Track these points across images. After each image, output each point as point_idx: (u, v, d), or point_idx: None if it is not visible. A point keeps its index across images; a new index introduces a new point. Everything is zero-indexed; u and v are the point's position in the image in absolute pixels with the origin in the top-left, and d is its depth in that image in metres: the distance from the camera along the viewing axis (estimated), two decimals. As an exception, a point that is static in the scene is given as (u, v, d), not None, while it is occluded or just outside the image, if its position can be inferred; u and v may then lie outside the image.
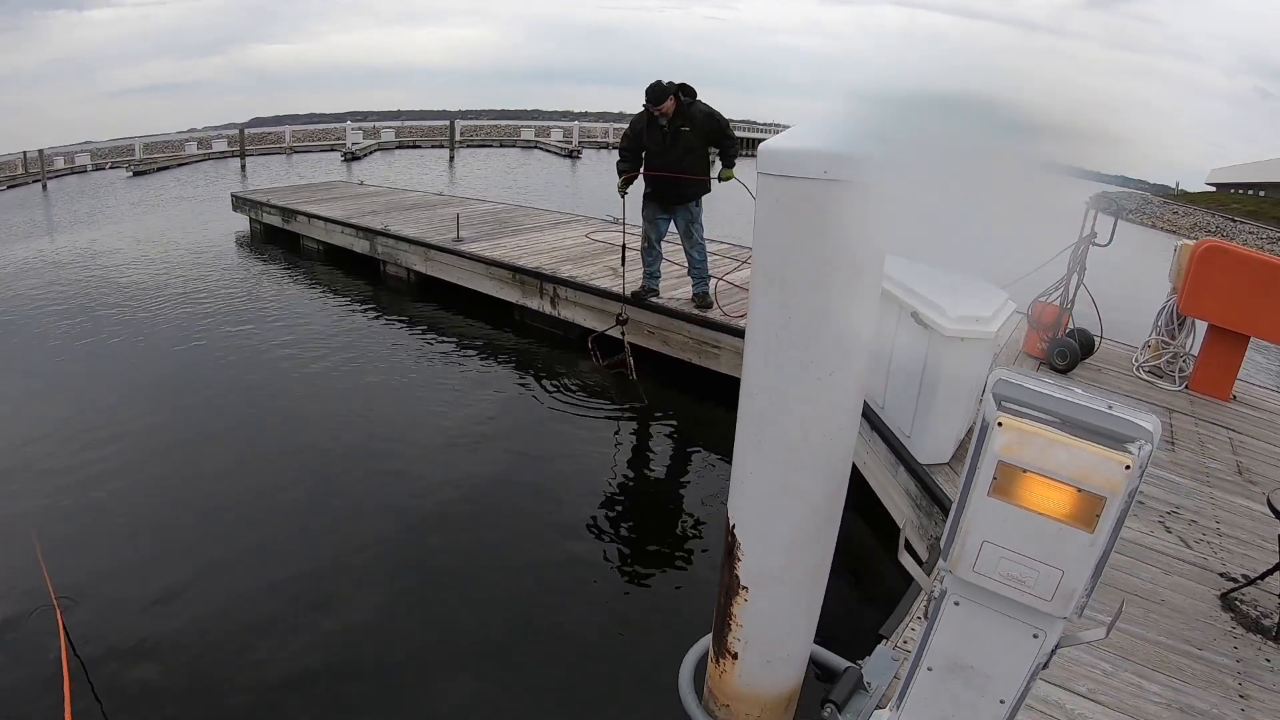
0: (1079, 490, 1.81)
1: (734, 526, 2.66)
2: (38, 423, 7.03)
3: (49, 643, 4.13)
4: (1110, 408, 1.86)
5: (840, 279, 2.21)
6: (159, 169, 30.56)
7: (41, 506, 5.61)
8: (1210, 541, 4.62)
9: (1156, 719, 3.20)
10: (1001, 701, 2.23)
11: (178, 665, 4.16)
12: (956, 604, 2.15)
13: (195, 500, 5.77)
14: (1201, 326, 6.90)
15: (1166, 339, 7.05)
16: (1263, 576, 4.05)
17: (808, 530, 2.57)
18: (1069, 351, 6.72)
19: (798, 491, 2.49)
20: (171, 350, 8.90)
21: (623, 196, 7.72)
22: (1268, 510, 4.06)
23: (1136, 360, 7.26)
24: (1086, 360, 7.04)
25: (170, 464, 6.31)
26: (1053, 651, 2.13)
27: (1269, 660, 3.67)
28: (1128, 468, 1.77)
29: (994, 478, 1.89)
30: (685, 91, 7.44)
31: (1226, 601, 4.06)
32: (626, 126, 7.91)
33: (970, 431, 5.40)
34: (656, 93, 7.28)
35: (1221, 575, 4.28)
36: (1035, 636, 2.09)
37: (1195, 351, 7.00)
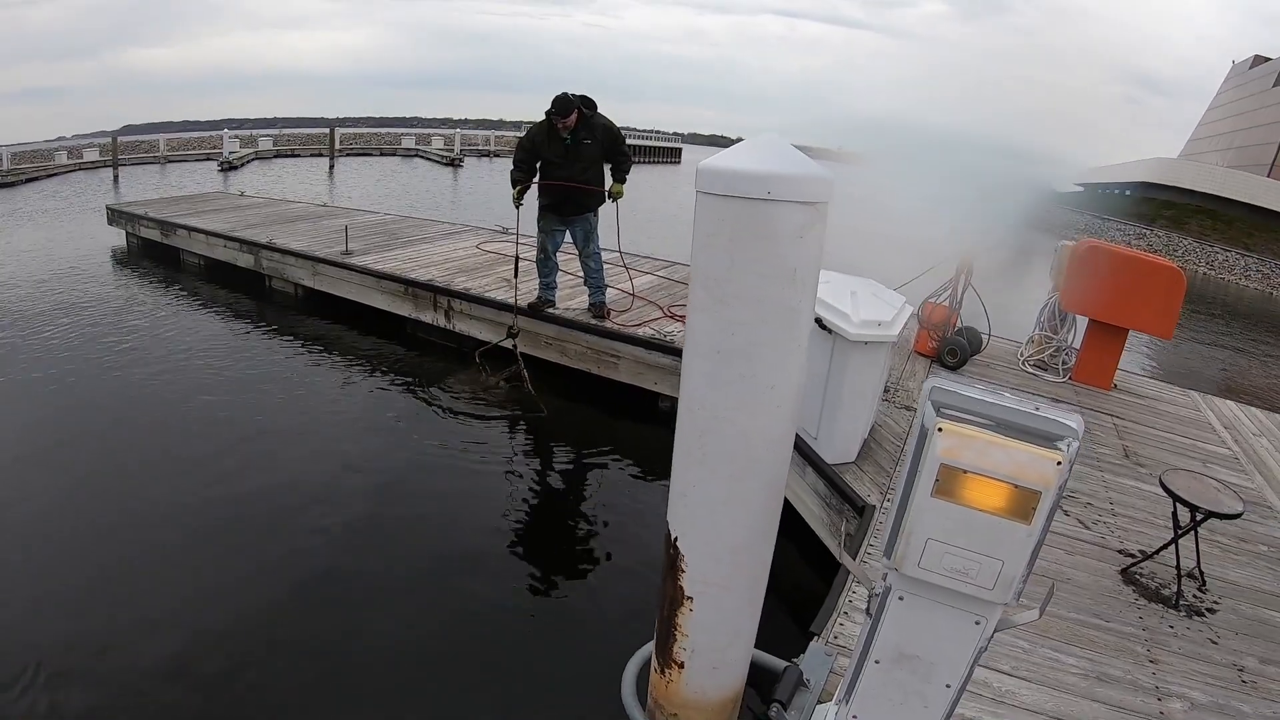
0: (1015, 487, 1.95)
1: (675, 539, 2.72)
2: None
3: None
4: (1037, 409, 2.00)
5: (781, 295, 2.29)
6: (27, 180, 28.97)
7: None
8: (1106, 522, 4.89)
9: (1076, 689, 3.40)
10: (948, 685, 2.35)
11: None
12: (901, 599, 2.27)
13: (77, 534, 5.42)
14: (1083, 321, 7.25)
15: (1049, 334, 7.39)
16: (1158, 551, 4.35)
17: (750, 538, 2.65)
18: (958, 349, 6.98)
19: (740, 501, 2.57)
20: (44, 375, 8.38)
21: (518, 207, 7.67)
22: (1158, 490, 4.32)
23: (1022, 355, 7.60)
24: (975, 357, 7.33)
25: (42, 497, 5.92)
26: (992, 635, 2.28)
27: (1172, 627, 3.94)
28: (1059, 463, 1.92)
29: (936, 479, 2.01)
30: (587, 104, 7.47)
31: (1128, 576, 4.32)
32: (517, 135, 7.89)
33: (872, 429, 5.60)
34: (562, 105, 7.26)
35: (1120, 552, 4.54)
36: (977, 623, 2.22)
37: (1077, 345, 7.36)
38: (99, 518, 5.58)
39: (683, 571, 2.71)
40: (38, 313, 10.55)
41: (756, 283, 2.26)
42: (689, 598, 2.74)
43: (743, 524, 2.60)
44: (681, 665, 2.91)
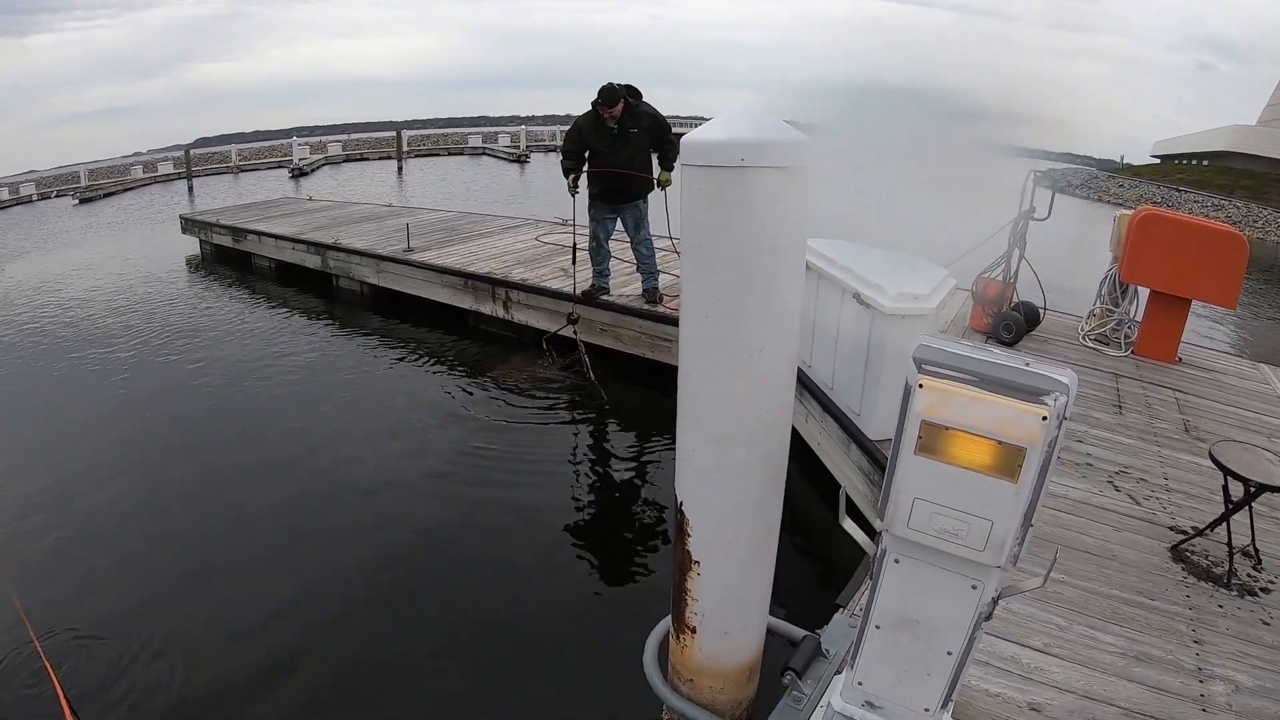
0: (1000, 443, 1.90)
1: (681, 505, 2.74)
2: None
3: (39, 681, 4.17)
4: (1027, 365, 1.94)
5: (761, 260, 2.29)
6: (105, 195, 29.99)
7: (6, 541, 5.58)
8: (1159, 497, 4.74)
9: (1111, 668, 3.29)
10: (949, 653, 2.31)
11: (158, 687, 4.20)
12: (896, 561, 2.23)
13: (163, 525, 5.76)
14: (1144, 293, 7.04)
15: (1110, 307, 7.19)
16: (1211, 527, 4.17)
17: (750, 503, 2.64)
18: (1014, 325, 6.83)
19: (735, 466, 2.56)
20: (129, 378, 8.79)
21: (574, 195, 7.77)
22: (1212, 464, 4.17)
23: (1082, 329, 7.40)
24: (1032, 332, 7.17)
25: (135, 490, 6.28)
26: (994, 602, 2.22)
27: (1221, 606, 3.78)
28: (1044, 419, 1.86)
29: (919, 437, 1.97)
30: (632, 93, 7.52)
31: (1177, 553, 4.17)
32: (569, 129, 7.95)
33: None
34: (608, 95, 7.32)
35: (1171, 529, 4.40)
36: (974, 587, 2.17)
37: (1139, 318, 7.15)
38: (180, 521, 5.86)
39: (689, 535, 2.73)
40: (117, 321, 11.06)
41: (737, 248, 2.27)
42: (696, 561, 2.75)
43: (740, 488, 2.60)
44: (694, 630, 2.92)
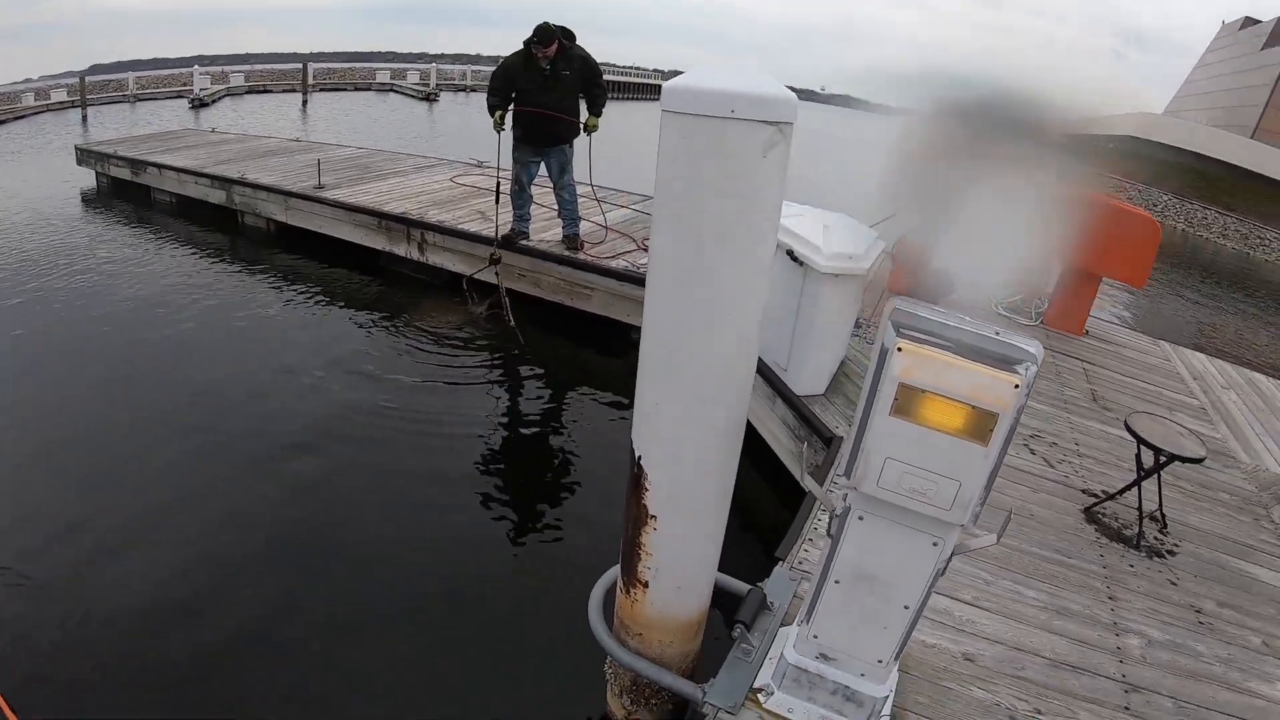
0: (973, 408, 1.99)
1: (640, 458, 2.75)
2: None
3: None
4: (997, 334, 2.03)
5: (743, 214, 2.29)
6: (-8, 124, 28.63)
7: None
8: (1071, 462, 4.96)
9: (1035, 621, 3.49)
10: (906, 607, 2.41)
11: (51, 632, 4.03)
12: (861, 519, 2.31)
13: (59, 470, 5.47)
14: (1057, 267, 7.29)
15: (1024, 279, 7.43)
16: (1121, 492, 4.41)
17: (713, 457, 2.68)
18: (931, 289, 7.00)
19: (703, 420, 2.59)
20: (19, 316, 8.35)
21: (499, 132, 7.60)
22: (1123, 434, 4.38)
23: (995, 298, 7.63)
24: (948, 298, 7.36)
25: (26, 436, 5.93)
26: (949, 558, 2.33)
27: (1132, 566, 4.02)
28: (1016, 386, 1.95)
29: (895, 399, 2.04)
30: (567, 35, 7.40)
31: (1090, 515, 4.40)
32: (495, 67, 7.80)
33: (842, 363, 5.64)
34: (544, 34, 7.19)
35: (1084, 491, 4.62)
36: (935, 544, 2.27)
37: (1050, 290, 7.40)
38: (75, 466, 5.54)
39: (646, 490, 2.74)
40: (5, 256, 10.41)
41: (719, 202, 2.26)
42: (653, 516, 2.77)
43: (705, 443, 2.63)
44: (646, 585, 2.96)
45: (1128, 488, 4.35)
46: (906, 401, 2.04)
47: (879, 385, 2.07)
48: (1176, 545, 4.27)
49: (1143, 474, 4.22)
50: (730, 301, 2.40)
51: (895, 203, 6.70)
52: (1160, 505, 4.41)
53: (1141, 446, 4.14)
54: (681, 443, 2.65)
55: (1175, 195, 34.87)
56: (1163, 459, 4.06)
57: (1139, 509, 4.26)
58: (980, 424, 1.99)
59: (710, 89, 2.16)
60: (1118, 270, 7.09)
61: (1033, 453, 4.98)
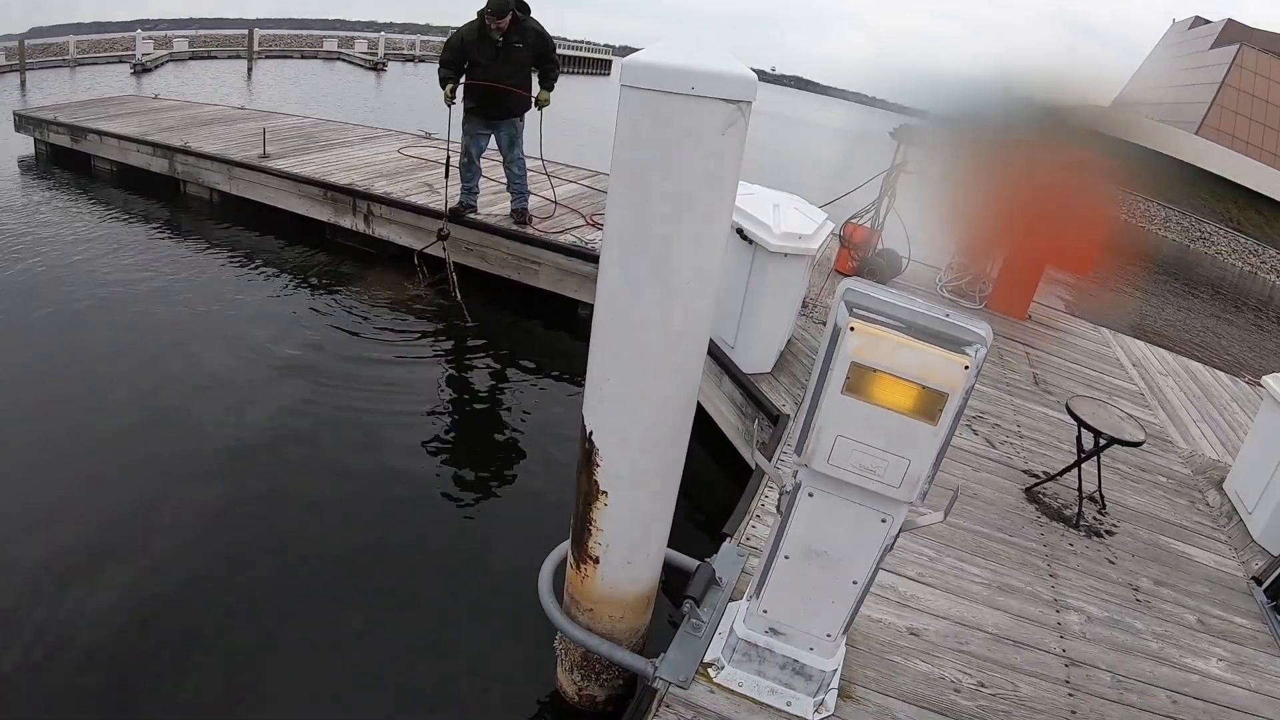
0: (923, 388, 2.03)
1: (591, 434, 2.76)
2: None
3: None
4: (948, 315, 2.07)
5: (699, 191, 2.30)
6: (-74, 86, 27.79)
7: None
8: (1013, 443, 5.06)
9: (978, 597, 3.57)
10: (854, 582, 2.46)
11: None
12: (811, 495, 2.35)
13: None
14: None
15: (968, 262, 7.54)
16: (1062, 473, 4.53)
17: (664, 433, 2.70)
18: (877, 270, 7.09)
19: (654, 396, 2.61)
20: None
21: (450, 105, 7.50)
22: (1064, 416, 4.48)
23: (940, 281, 7.74)
24: (894, 279, 7.46)
25: None
26: (897, 535, 2.37)
27: (1071, 545, 4.13)
28: (966, 368, 2.00)
29: (846, 377, 2.08)
30: (521, 8, 7.34)
31: (1031, 495, 4.50)
32: (446, 38, 7.73)
33: (789, 342, 5.70)
34: (499, 6, 7.10)
35: (1025, 472, 4.72)
36: (883, 521, 2.31)
37: (995, 275, 7.52)
38: (10, 439, 5.41)
39: (598, 466, 2.76)
40: None
41: (676, 178, 2.27)
42: (604, 492, 2.79)
43: (657, 418, 2.65)
44: (596, 560, 2.97)
45: (1068, 469, 4.46)
46: (858, 380, 2.07)
47: (831, 364, 2.11)
48: (1115, 525, 4.38)
49: (1083, 456, 4.33)
50: (684, 278, 2.41)
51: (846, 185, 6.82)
52: (1099, 487, 4.52)
53: (1082, 429, 4.23)
54: (633, 418, 2.66)
55: (1119, 188, 35.40)
56: (1103, 442, 4.15)
57: (1079, 490, 4.37)
58: (930, 404, 2.03)
59: (671, 66, 2.16)
60: (1062, 258, 7.22)
61: (975, 433, 5.07)
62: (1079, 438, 4.33)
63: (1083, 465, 4.35)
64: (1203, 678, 3.36)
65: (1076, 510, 4.36)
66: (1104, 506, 4.51)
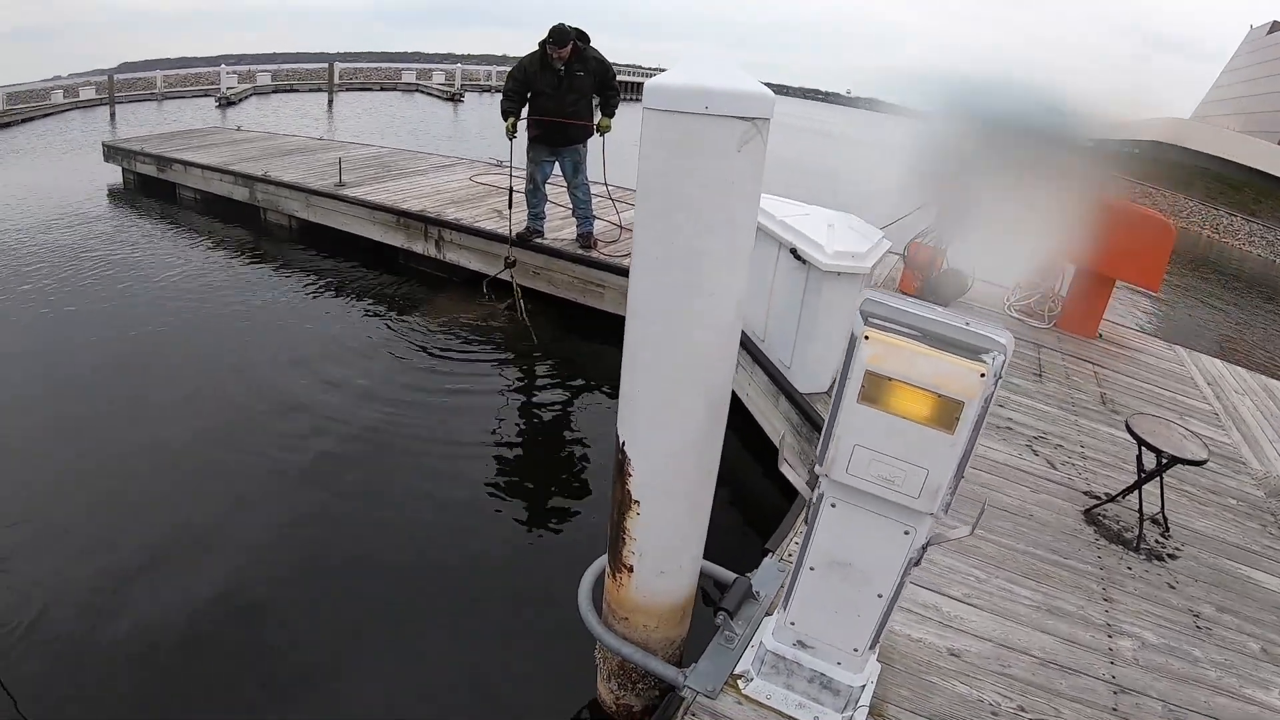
0: (939, 396, 2.01)
1: (623, 444, 2.79)
2: None
3: None
4: (968, 324, 2.05)
5: (719, 206, 2.33)
6: (23, 120, 28.77)
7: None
8: (1075, 464, 4.94)
9: (1026, 619, 3.47)
10: (879, 595, 2.43)
11: (66, 620, 4.12)
12: (833, 506, 2.33)
13: (77, 454, 5.60)
14: (1070, 269, 7.26)
15: (1037, 280, 7.40)
16: (1123, 494, 4.40)
17: (692, 443, 2.71)
18: (941, 290, 6.99)
19: (680, 406, 2.63)
20: (47, 304, 8.50)
21: (511, 139, 7.67)
22: (1128, 435, 4.36)
23: (1008, 300, 7.61)
24: (960, 300, 7.35)
25: (51, 421, 6.08)
26: (924, 549, 2.34)
27: (1130, 568, 3.99)
28: (982, 375, 1.97)
29: (862, 386, 2.07)
30: (581, 37, 7.48)
31: (1090, 516, 4.38)
32: (513, 68, 7.88)
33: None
34: (559, 35, 7.28)
35: (1085, 493, 4.60)
36: (906, 533, 2.28)
37: (1064, 293, 7.36)
38: (95, 452, 5.68)
39: (630, 475, 2.78)
40: (35, 248, 10.60)
41: (696, 194, 2.30)
42: (636, 501, 2.81)
43: (686, 429, 2.66)
44: (631, 569, 2.99)
45: (1128, 490, 4.34)
46: (874, 389, 2.06)
47: (848, 373, 2.10)
48: (1178, 549, 4.25)
49: (1143, 476, 4.21)
50: (708, 291, 2.43)
51: (914, 203, 6.74)
52: (1162, 508, 4.38)
53: (1143, 448, 4.12)
54: (662, 429, 2.69)
55: (1201, 201, 34.50)
56: (1164, 461, 4.04)
57: (1139, 512, 4.24)
58: (946, 412, 2.01)
59: (685, 86, 2.20)
60: (1131, 273, 7.04)
61: (1036, 454, 4.96)
62: (1139, 457, 4.21)
63: (1144, 486, 4.23)
64: (1263, 709, 3.22)
65: (1137, 533, 4.23)
66: (1167, 529, 4.37)
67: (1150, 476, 4.18)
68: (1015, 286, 7.66)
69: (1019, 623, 3.45)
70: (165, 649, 3.97)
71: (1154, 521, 4.37)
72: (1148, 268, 6.91)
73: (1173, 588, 3.91)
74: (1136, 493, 4.27)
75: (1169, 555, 4.18)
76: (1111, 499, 4.46)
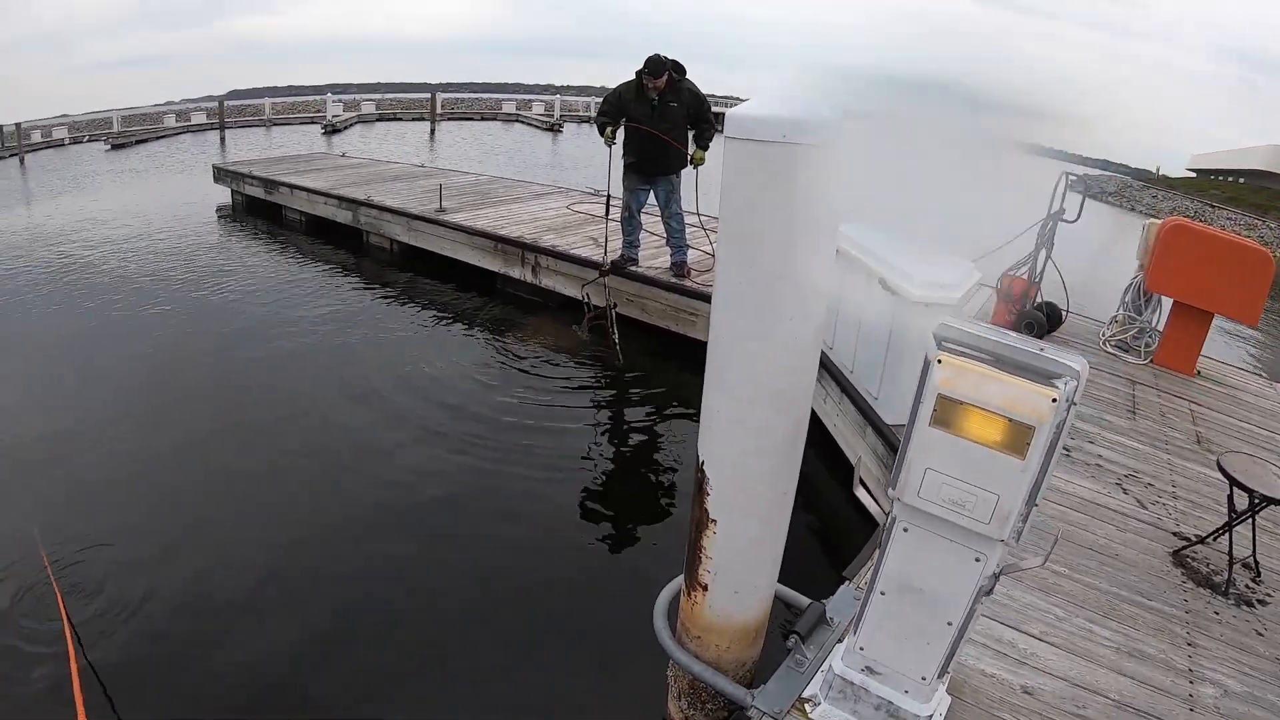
0: (1010, 420, 2.01)
1: (703, 463, 2.83)
2: (19, 400, 6.98)
3: (48, 611, 4.26)
4: (1042, 349, 2.05)
5: (797, 233, 2.38)
6: (137, 142, 29.95)
7: (30, 479, 5.68)
8: (1165, 503, 4.82)
9: (1105, 661, 3.39)
10: (949, 623, 2.42)
11: (173, 633, 4.28)
12: (905, 530, 2.34)
13: (180, 471, 5.85)
14: (1167, 303, 7.08)
15: (1133, 314, 7.23)
16: (1213, 535, 4.27)
17: (769, 464, 2.75)
18: (1036, 324, 6.89)
19: (759, 427, 2.67)
20: (156, 322, 8.91)
21: (610, 146, 7.80)
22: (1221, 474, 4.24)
23: (1103, 335, 7.44)
24: (1053, 333, 7.22)
25: (156, 435, 6.36)
26: (995, 577, 2.33)
27: (1217, 613, 3.86)
28: (1054, 400, 1.97)
29: (934, 410, 2.09)
30: (677, 69, 7.60)
31: (1178, 558, 4.25)
32: (609, 93, 8.00)
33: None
34: (655, 65, 7.41)
35: (1174, 534, 4.48)
36: (977, 560, 2.28)
37: (1160, 327, 7.19)
38: (195, 464, 5.96)
39: (708, 495, 2.83)
40: (146, 264, 11.18)
41: (774, 219, 2.37)
42: (713, 520, 2.85)
43: (763, 450, 2.70)
44: (705, 588, 3.02)
45: (1218, 531, 4.22)
46: (945, 412, 2.07)
47: (921, 396, 2.12)
48: (1270, 595, 4.10)
49: (1235, 517, 4.09)
50: (787, 313, 2.48)
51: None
52: (1254, 551, 4.24)
53: (1234, 488, 4.01)
54: (740, 449, 2.73)
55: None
56: (1256, 501, 3.93)
57: (1229, 554, 4.12)
58: (1017, 437, 2.01)
59: (761, 116, 2.28)
60: (1229, 306, 6.83)
61: (1125, 492, 4.86)
62: (1230, 497, 4.10)
63: (1235, 528, 4.11)
64: (1348, 763, 3.13)
65: (1226, 576, 4.10)
66: (1258, 574, 4.23)
67: (1242, 518, 4.06)
68: (1111, 320, 7.50)
69: (1097, 663, 3.38)
70: (266, 664, 4.14)
71: (1244, 565, 4.23)
72: (1246, 300, 6.70)
73: (1261, 635, 3.78)
74: (1227, 534, 4.15)
75: (1259, 601, 4.04)
76: (1201, 540, 4.33)
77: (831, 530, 5.47)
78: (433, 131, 36.59)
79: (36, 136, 29.60)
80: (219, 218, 14.62)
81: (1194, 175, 47.79)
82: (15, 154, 26.52)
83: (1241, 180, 41.19)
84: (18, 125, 27.67)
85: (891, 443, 5.02)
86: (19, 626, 4.22)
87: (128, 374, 7.52)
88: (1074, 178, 6.74)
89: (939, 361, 2.05)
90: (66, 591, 4.38)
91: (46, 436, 6.20)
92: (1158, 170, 47.49)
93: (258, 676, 4.02)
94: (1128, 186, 40.24)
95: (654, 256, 8.95)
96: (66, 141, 30.31)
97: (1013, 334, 2.08)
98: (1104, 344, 7.32)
